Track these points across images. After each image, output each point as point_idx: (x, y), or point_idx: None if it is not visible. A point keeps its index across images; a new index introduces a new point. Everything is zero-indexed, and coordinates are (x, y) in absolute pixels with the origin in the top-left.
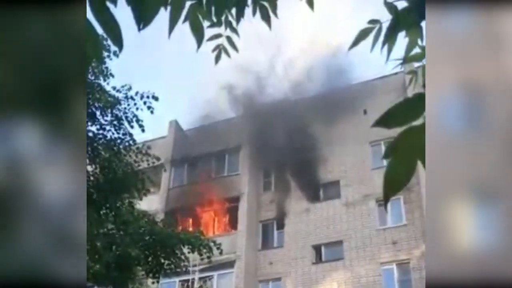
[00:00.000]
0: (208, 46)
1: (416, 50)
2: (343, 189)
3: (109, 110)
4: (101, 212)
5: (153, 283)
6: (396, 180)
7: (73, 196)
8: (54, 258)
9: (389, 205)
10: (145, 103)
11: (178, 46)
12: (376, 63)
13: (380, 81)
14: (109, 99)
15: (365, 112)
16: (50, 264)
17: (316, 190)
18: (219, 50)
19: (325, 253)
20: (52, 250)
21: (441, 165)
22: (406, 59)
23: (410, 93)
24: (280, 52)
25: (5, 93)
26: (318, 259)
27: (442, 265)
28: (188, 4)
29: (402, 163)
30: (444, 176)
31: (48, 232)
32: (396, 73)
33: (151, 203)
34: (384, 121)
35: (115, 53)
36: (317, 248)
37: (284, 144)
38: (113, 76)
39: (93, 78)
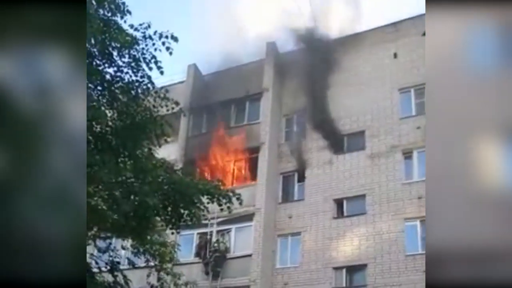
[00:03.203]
0: None
1: None
2: (368, 139)
3: (126, 51)
4: (119, 160)
5: (172, 233)
6: None
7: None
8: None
9: (415, 158)
10: (163, 43)
11: None
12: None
13: (412, 21)
14: (127, 38)
15: (395, 55)
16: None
17: (340, 140)
18: None
19: (347, 207)
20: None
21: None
22: None
23: None
24: None
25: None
26: (340, 213)
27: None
28: None
29: None
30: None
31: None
32: None
33: (169, 152)
34: None
35: None
36: (338, 202)
37: (307, 90)
38: (130, 13)
39: (109, 14)
